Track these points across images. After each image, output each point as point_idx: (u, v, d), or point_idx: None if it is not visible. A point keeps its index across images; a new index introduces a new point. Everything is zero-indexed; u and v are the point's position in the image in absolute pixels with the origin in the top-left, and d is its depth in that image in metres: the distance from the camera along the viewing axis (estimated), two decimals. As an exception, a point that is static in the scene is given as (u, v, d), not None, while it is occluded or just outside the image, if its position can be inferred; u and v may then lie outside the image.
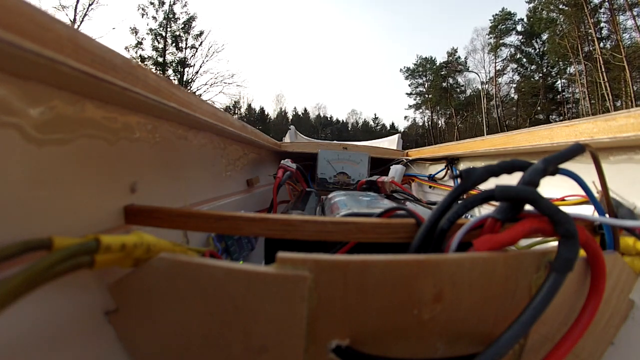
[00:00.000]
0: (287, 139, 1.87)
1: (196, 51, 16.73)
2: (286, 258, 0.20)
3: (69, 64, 0.17)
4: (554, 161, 0.24)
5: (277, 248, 0.22)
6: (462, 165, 0.88)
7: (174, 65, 16.36)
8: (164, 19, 16.18)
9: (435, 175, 0.94)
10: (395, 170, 1.02)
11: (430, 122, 24.55)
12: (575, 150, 0.25)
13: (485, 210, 0.25)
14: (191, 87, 16.26)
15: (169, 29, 16.29)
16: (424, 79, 23.78)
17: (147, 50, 16.22)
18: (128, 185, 0.30)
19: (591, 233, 0.31)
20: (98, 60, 0.20)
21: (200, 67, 16.72)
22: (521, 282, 0.22)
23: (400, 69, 24.36)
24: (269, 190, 0.86)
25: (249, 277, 0.20)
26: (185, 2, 16.61)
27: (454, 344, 0.22)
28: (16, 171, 0.19)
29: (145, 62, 15.73)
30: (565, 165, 0.25)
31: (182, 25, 16.45)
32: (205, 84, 16.75)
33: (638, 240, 0.29)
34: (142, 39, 16.09)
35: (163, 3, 16.25)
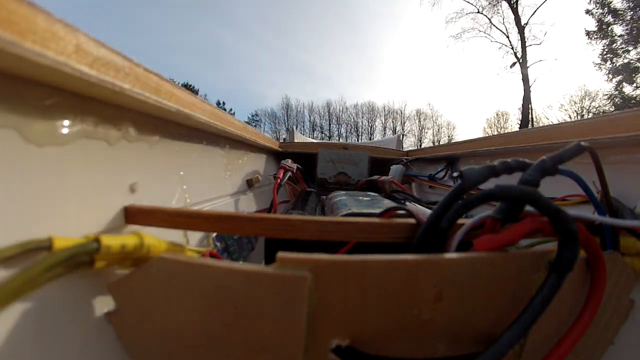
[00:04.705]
0: (286, 139, 1.87)
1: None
2: (286, 258, 0.20)
3: (69, 64, 0.17)
4: (554, 161, 0.24)
5: (277, 248, 0.22)
6: (462, 165, 0.88)
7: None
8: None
9: (435, 175, 0.94)
10: (395, 170, 1.02)
11: None
12: (575, 150, 0.25)
13: (485, 210, 0.25)
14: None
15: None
16: None
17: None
18: (128, 186, 0.30)
19: (591, 233, 0.31)
20: (98, 60, 0.20)
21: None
22: (521, 282, 0.22)
23: None
24: (269, 190, 0.86)
25: (249, 277, 0.20)
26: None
27: (454, 344, 0.22)
28: (16, 171, 0.19)
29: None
30: (565, 165, 0.25)
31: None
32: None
33: (638, 240, 0.29)
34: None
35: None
